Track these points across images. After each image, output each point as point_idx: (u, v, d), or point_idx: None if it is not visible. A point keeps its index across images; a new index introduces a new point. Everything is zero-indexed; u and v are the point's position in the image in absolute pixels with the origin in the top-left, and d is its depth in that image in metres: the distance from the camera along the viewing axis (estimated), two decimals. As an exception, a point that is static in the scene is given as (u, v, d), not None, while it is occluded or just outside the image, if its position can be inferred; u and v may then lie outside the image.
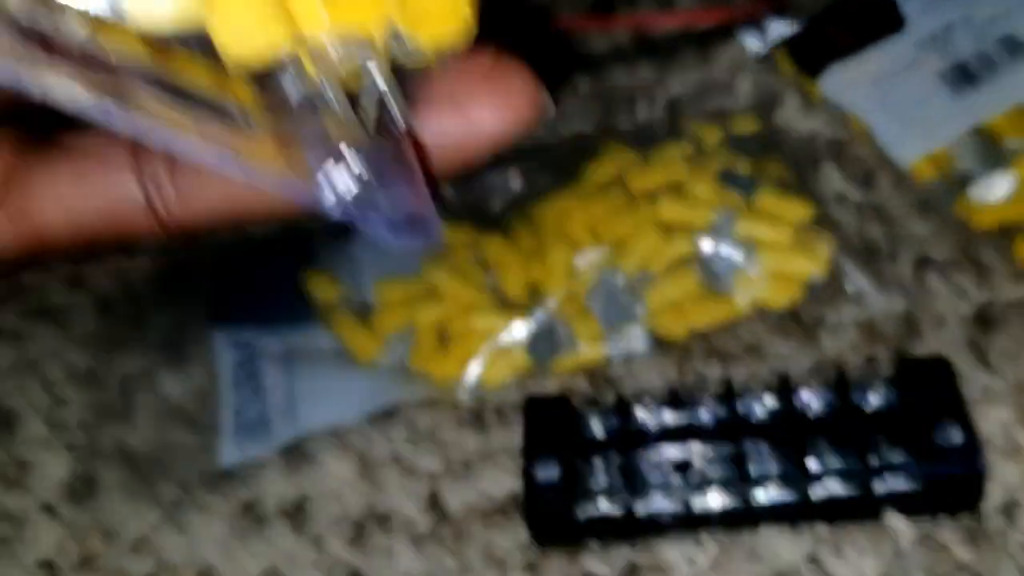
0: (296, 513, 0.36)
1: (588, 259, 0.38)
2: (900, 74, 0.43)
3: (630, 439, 0.33)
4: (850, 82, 0.44)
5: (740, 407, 0.33)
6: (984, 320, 0.37)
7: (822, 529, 0.32)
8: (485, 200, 0.43)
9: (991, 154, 0.39)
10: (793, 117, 0.46)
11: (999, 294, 0.37)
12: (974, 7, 0.44)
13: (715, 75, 0.49)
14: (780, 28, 0.49)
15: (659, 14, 0.52)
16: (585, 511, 0.32)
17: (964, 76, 0.42)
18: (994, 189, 0.39)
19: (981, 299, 0.37)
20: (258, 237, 0.46)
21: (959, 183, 0.40)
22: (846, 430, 0.32)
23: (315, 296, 0.41)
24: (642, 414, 0.34)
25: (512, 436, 0.36)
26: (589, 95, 0.49)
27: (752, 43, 0.49)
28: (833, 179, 0.43)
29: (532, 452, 0.33)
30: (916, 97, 0.42)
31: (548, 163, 0.43)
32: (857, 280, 0.37)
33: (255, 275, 0.44)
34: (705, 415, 0.33)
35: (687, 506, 0.32)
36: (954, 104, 0.41)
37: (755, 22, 0.50)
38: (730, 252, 0.37)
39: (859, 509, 0.31)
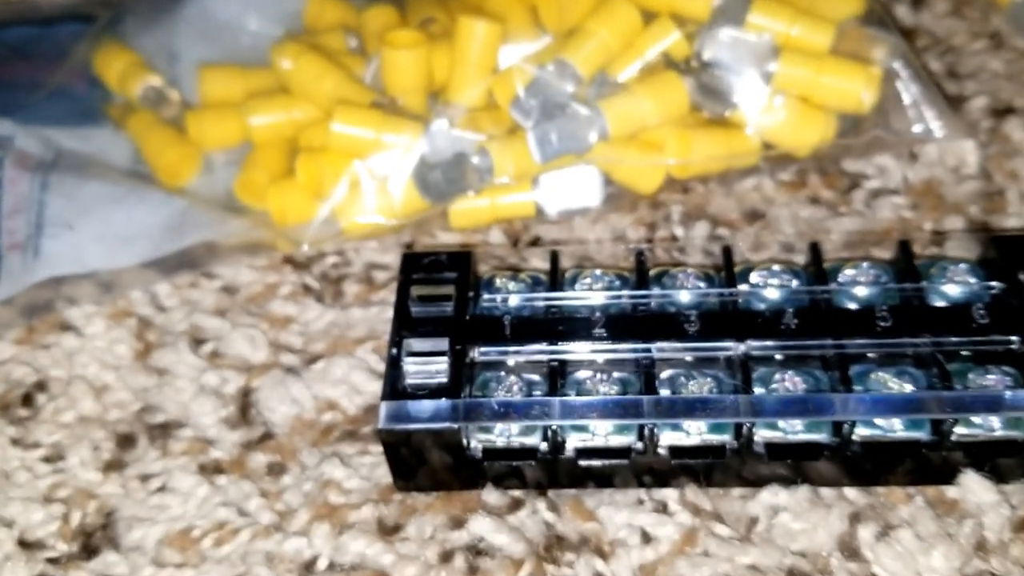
0: (25, 410, 0.22)
1: (521, 50, 0.25)
2: None
3: (565, 328, 0.20)
4: None
5: (743, 289, 0.21)
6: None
7: (857, 496, 0.20)
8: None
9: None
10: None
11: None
12: None
13: None
14: None
15: None
16: (482, 438, 0.19)
17: None
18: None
19: (1088, 163, 0.26)
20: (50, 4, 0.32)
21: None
22: (916, 336, 0.20)
23: (106, 80, 0.27)
24: (586, 289, 0.21)
25: (383, 317, 0.23)
26: None
27: None
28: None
29: (403, 334, 0.20)
30: None
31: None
32: (924, 113, 0.25)
33: (25, 46, 0.29)
34: (686, 299, 0.21)
35: (652, 440, 0.19)
36: None
37: None
38: (738, 56, 0.24)
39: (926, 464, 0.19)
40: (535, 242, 0.25)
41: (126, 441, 0.22)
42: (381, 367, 0.22)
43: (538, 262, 0.23)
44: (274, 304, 0.24)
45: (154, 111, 0.27)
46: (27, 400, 0.23)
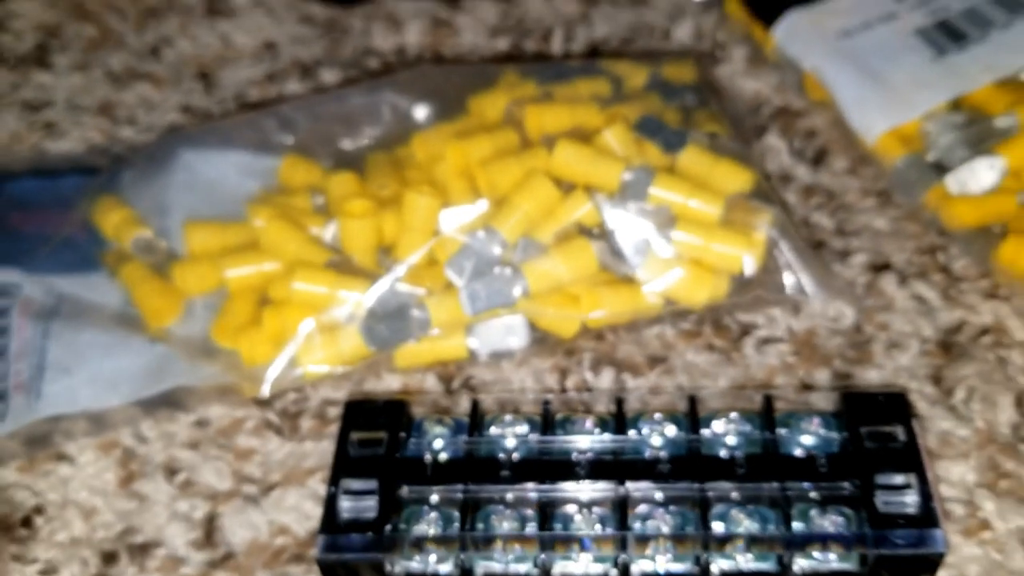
0: (24, 530, 0.26)
1: (457, 216, 0.29)
2: (872, 28, 0.35)
3: (479, 469, 0.24)
4: (810, 33, 0.36)
5: (631, 437, 0.25)
6: (950, 347, 0.29)
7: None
8: (346, 129, 0.34)
9: (975, 133, 0.31)
10: (738, 73, 0.37)
11: (971, 314, 0.29)
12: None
13: (649, 18, 0.40)
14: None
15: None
16: (404, 566, 0.23)
17: (949, 35, 0.34)
18: (975, 177, 0.31)
19: (949, 320, 0.29)
20: (59, 158, 0.36)
21: (932, 167, 0.32)
22: (767, 481, 0.23)
23: (103, 231, 0.32)
24: (499, 434, 0.25)
25: (330, 450, 0.27)
26: (496, 24, 0.40)
27: (697, -18, 0.41)
28: (778, 151, 0.34)
29: (341, 474, 0.24)
30: (889, 57, 0.34)
31: (428, 90, 0.34)
32: (800, 278, 0.29)
33: (32, 199, 0.34)
34: (584, 444, 0.25)
35: (546, 573, 0.23)
36: (933, 68, 0.33)
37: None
38: (641, 225, 0.28)
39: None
40: (467, 383, 0.29)
41: (109, 558, 0.26)
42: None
43: (466, 404, 0.27)
44: (239, 437, 0.28)
45: (144, 259, 0.31)
46: (26, 522, 0.26)
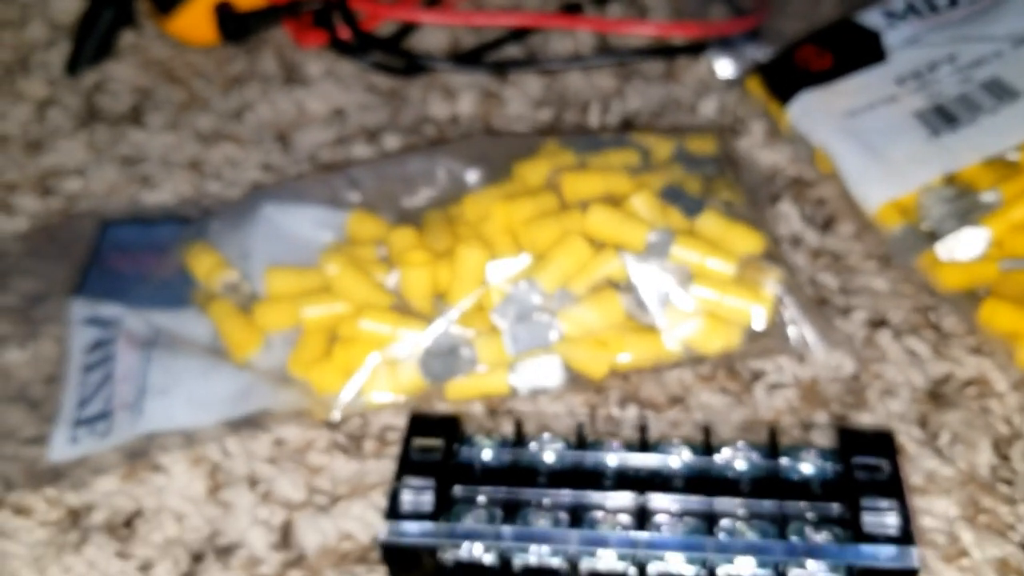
0: (126, 530, 0.31)
1: (502, 268, 0.33)
2: (875, 109, 0.39)
3: (521, 475, 0.28)
4: (820, 112, 0.40)
5: (652, 457, 0.28)
6: (938, 396, 0.33)
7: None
8: (406, 189, 0.38)
9: (964, 206, 0.35)
10: (756, 145, 0.42)
11: (958, 367, 0.33)
12: (961, 46, 0.40)
13: (678, 93, 0.45)
14: (754, 52, 0.45)
15: (627, 22, 0.48)
16: (454, 553, 0.27)
17: (943, 118, 0.38)
18: (963, 245, 0.34)
19: (937, 371, 0.33)
20: (153, 208, 0.41)
21: (926, 235, 0.36)
22: (767, 498, 0.27)
23: (195, 273, 0.36)
24: (538, 448, 0.29)
25: (391, 468, 0.31)
26: (539, 97, 0.45)
27: (723, 65, 0.45)
28: (790, 217, 0.39)
29: (404, 472, 0.28)
30: (889, 135, 0.38)
31: (479, 156, 0.38)
32: (804, 331, 0.33)
33: (132, 243, 0.38)
34: (610, 459, 0.29)
35: (573, 567, 0.27)
36: (929, 147, 0.37)
37: (728, 43, 0.45)
38: (663, 280, 0.33)
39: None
40: (509, 413, 0.33)
41: (198, 557, 0.30)
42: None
43: (509, 427, 0.31)
44: (312, 455, 0.32)
45: (230, 298, 0.36)
46: (127, 523, 0.31)
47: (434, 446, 0.28)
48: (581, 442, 0.29)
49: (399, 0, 0.49)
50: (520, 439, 0.29)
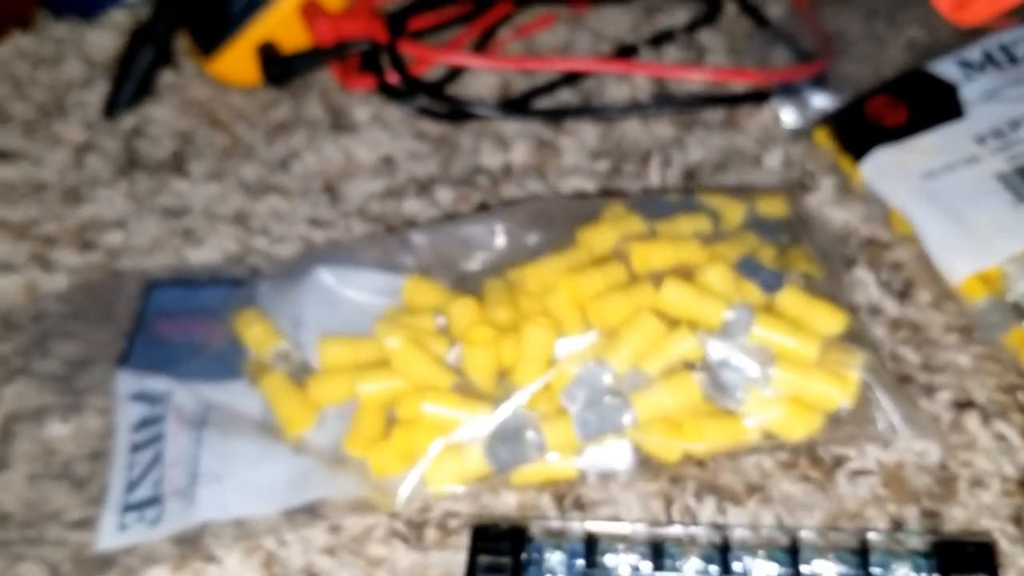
0: (178, 624, 0.29)
1: (572, 346, 0.32)
2: (955, 170, 0.37)
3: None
4: (897, 171, 0.38)
5: (734, 574, 0.27)
6: (1032, 485, 0.31)
7: None
8: (463, 252, 0.37)
9: (1057, 281, 0.33)
10: (827, 202, 0.40)
11: (1053, 453, 0.31)
12: (1048, 103, 0.38)
13: (741, 144, 0.43)
14: (820, 101, 0.43)
15: (686, 67, 0.46)
16: None
17: (1032, 183, 0.36)
18: (1056, 323, 0.33)
19: (1031, 458, 0.31)
20: (197, 266, 0.40)
21: (1012, 309, 0.34)
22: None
23: (245, 341, 0.35)
24: (613, 565, 0.27)
25: (455, 559, 0.30)
26: (596, 147, 0.43)
27: (787, 113, 0.43)
28: (867, 284, 0.37)
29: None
30: (972, 200, 0.36)
31: (539, 219, 0.37)
32: (891, 417, 0.31)
33: (178, 307, 0.37)
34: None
35: None
36: (1015, 213, 0.35)
37: (791, 90, 0.44)
38: (743, 362, 0.31)
39: None
40: (577, 502, 0.31)
41: (253, 655, 0.28)
42: (452, 603, 0.29)
43: (578, 524, 0.29)
44: (370, 545, 0.31)
45: (281, 370, 0.34)
46: (180, 618, 0.29)
47: (501, 564, 0.27)
48: (658, 553, 0.27)
49: (447, 44, 0.48)
50: (592, 551, 0.28)
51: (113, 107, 0.47)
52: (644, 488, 0.31)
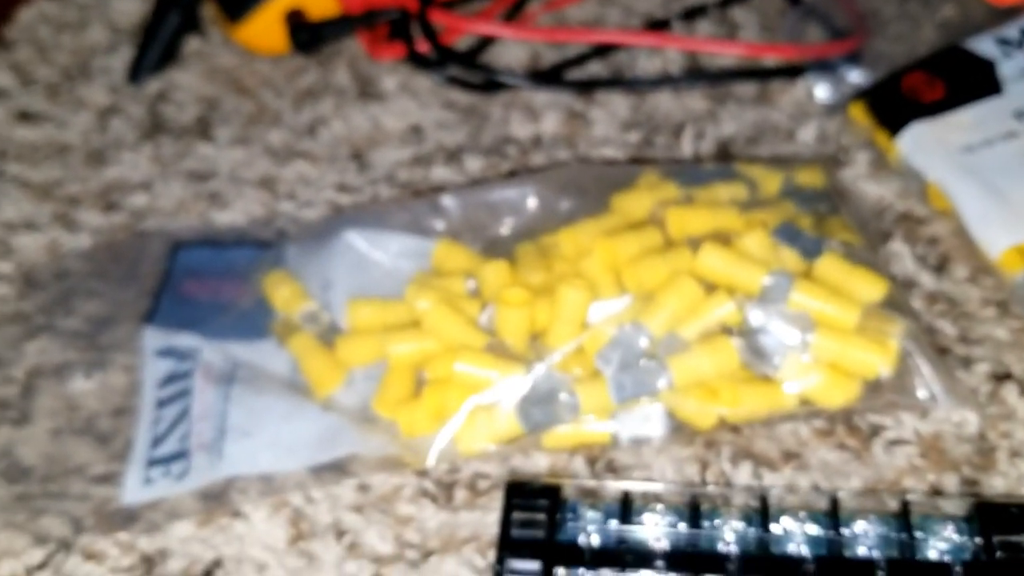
0: (204, 579, 0.29)
1: (606, 309, 0.31)
2: (994, 145, 0.37)
3: (632, 557, 0.26)
4: (935, 145, 0.38)
5: (776, 532, 0.26)
6: (1074, 457, 0.30)
7: None
8: (493, 217, 0.36)
9: (1099, 255, 0.33)
10: (862, 177, 0.39)
11: (1094, 426, 0.31)
12: (1090, 80, 0.37)
13: (774, 118, 0.42)
14: (855, 77, 0.42)
15: (719, 42, 0.45)
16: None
17: (1074, 158, 0.35)
18: (1099, 298, 0.32)
19: (1070, 430, 0.31)
20: (224, 228, 0.39)
21: (1052, 283, 0.33)
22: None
23: (273, 303, 0.34)
24: (650, 526, 0.27)
25: (485, 520, 0.29)
26: (627, 119, 0.43)
27: (821, 90, 0.43)
28: (903, 257, 0.36)
29: (506, 553, 0.26)
30: (1011, 175, 0.36)
31: (571, 185, 0.36)
32: (931, 386, 0.30)
33: (205, 268, 0.36)
34: (728, 539, 0.26)
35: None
36: (1057, 189, 0.35)
37: (825, 66, 0.43)
38: (782, 328, 0.30)
39: None
40: (610, 465, 0.31)
41: (280, 612, 0.28)
42: (482, 564, 0.28)
43: (612, 486, 0.29)
44: (399, 504, 0.30)
45: (310, 330, 0.34)
46: (208, 573, 0.29)
47: (536, 520, 0.26)
48: (695, 514, 0.27)
49: (478, 13, 0.47)
50: (627, 511, 0.27)
51: (138, 72, 0.46)
52: (678, 453, 0.31)
